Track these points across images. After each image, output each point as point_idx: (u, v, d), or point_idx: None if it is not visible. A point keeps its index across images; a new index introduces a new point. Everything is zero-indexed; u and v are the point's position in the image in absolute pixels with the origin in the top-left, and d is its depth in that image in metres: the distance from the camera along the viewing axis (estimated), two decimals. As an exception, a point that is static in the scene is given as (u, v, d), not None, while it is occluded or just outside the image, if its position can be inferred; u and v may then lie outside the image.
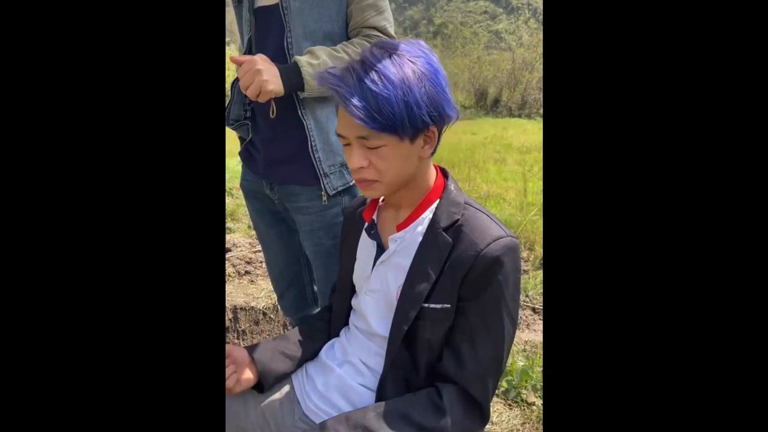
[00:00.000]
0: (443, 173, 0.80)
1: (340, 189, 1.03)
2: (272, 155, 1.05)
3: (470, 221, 0.71)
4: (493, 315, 0.69)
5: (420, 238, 0.74)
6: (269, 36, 0.98)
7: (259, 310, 1.91)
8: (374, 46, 0.70)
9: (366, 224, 0.81)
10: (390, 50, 0.68)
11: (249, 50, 1.03)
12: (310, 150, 1.00)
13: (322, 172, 1.01)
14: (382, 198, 0.83)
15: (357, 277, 0.84)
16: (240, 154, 1.15)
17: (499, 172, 4.80)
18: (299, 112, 0.98)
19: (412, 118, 0.66)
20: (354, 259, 0.84)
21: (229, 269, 2.20)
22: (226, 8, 1.13)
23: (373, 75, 0.64)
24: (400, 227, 0.76)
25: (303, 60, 0.91)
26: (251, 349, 0.81)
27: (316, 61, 0.91)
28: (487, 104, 11.56)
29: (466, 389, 0.68)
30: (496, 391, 1.45)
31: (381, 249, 0.79)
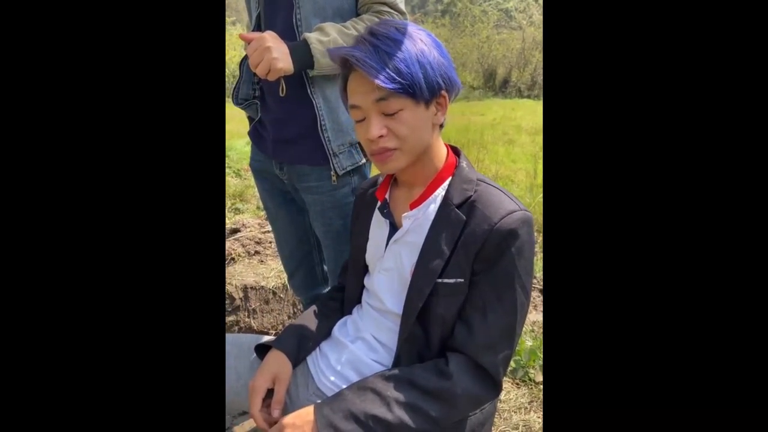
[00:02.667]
0: (455, 152, 0.80)
1: (349, 169, 1.03)
2: (281, 135, 1.05)
3: (483, 197, 0.72)
4: (505, 286, 0.69)
5: (433, 216, 0.74)
6: (278, 13, 0.97)
7: (269, 289, 1.94)
8: (377, 23, 0.71)
9: (379, 204, 0.82)
10: (394, 24, 0.70)
11: (257, 27, 1.02)
12: (319, 129, 0.99)
13: (331, 152, 1.00)
14: (393, 178, 0.83)
15: (370, 257, 0.84)
16: (249, 133, 1.15)
17: (508, 154, 4.75)
18: (308, 90, 0.98)
19: (428, 79, 0.67)
20: (366, 239, 0.85)
21: (238, 249, 2.22)
22: None
23: (386, 41, 0.66)
24: (413, 205, 0.76)
25: (313, 37, 0.90)
26: (277, 343, 0.82)
27: (326, 38, 0.90)
28: (496, 85, 11.38)
29: (474, 358, 0.69)
30: (504, 370, 1.48)
31: (394, 228, 0.79)
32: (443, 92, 0.70)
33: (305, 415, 0.68)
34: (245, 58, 1.02)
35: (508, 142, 5.31)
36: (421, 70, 0.66)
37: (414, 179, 0.77)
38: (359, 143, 1.03)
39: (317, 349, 0.86)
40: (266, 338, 0.90)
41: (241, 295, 1.92)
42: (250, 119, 1.14)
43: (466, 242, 0.70)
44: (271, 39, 0.86)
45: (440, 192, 0.75)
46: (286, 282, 1.92)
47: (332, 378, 0.80)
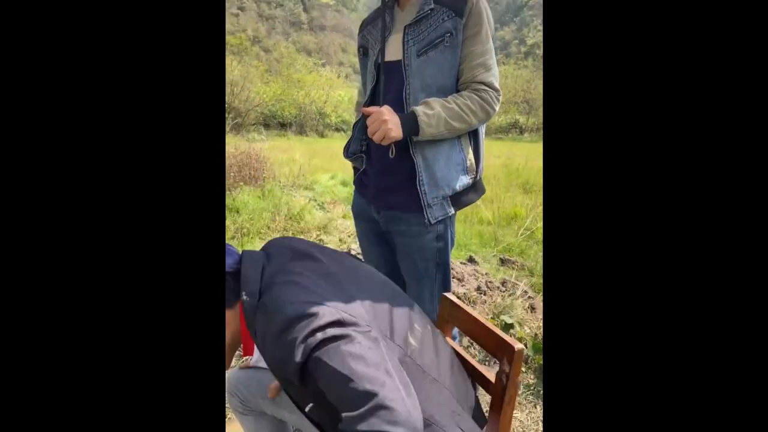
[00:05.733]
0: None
1: (440, 218, 1.18)
2: (383, 184, 1.22)
3: (259, 322, 0.69)
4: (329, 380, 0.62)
5: None
6: (390, 87, 1.16)
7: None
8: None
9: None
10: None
11: (372, 97, 1.22)
12: (417, 183, 1.16)
13: (426, 203, 1.16)
14: None
15: None
16: (354, 182, 1.35)
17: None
18: (411, 150, 1.15)
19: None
20: None
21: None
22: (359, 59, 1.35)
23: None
24: (245, 353, 0.79)
25: (420, 110, 1.08)
26: None
27: (431, 111, 1.08)
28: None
29: None
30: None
31: None
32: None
33: None
34: (358, 122, 1.24)
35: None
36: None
37: None
38: (450, 197, 1.18)
39: None
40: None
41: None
42: (356, 169, 1.34)
43: (275, 371, 0.71)
44: (387, 113, 1.05)
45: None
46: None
47: None
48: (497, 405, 0.74)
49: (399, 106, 1.13)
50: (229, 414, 1.44)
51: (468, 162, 1.19)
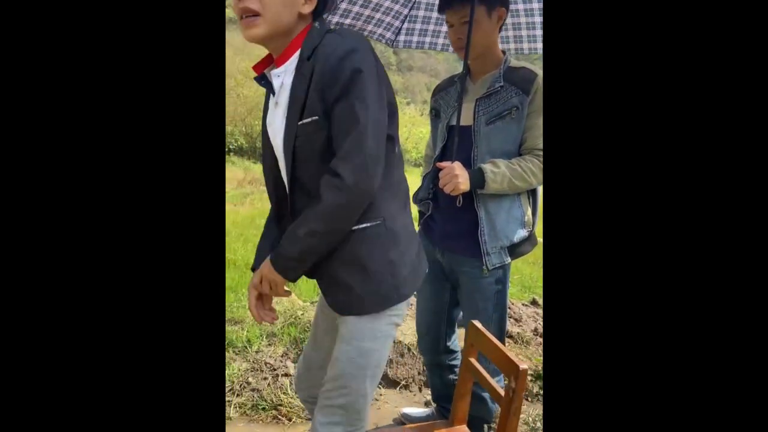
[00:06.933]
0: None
1: (497, 266, 1.34)
2: (448, 230, 1.42)
3: (327, 41, 0.83)
4: (346, 106, 0.80)
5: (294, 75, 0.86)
6: (459, 148, 1.35)
7: (405, 344, 2.27)
8: None
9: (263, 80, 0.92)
10: None
11: (442, 156, 1.43)
12: (479, 232, 1.33)
13: (485, 251, 1.33)
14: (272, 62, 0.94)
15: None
16: (420, 225, 1.54)
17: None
18: (475, 203, 1.34)
19: None
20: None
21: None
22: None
23: None
24: (279, 62, 0.89)
25: (487, 168, 1.27)
26: (257, 265, 1.02)
27: (497, 170, 1.26)
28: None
29: (335, 171, 0.81)
30: None
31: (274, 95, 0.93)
32: None
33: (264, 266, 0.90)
34: (428, 174, 1.47)
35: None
36: None
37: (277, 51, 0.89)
38: (508, 247, 1.34)
39: None
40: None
41: (384, 344, 2.26)
42: (421, 213, 1.54)
43: (316, 82, 0.82)
44: (458, 168, 1.27)
45: (297, 54, 0.87)
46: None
47: None
48: (505, 414, 0.90)
49: (467, 165, 1.32)
50: (230, 414, 1.62)
51: (526, 217, 1.35)
